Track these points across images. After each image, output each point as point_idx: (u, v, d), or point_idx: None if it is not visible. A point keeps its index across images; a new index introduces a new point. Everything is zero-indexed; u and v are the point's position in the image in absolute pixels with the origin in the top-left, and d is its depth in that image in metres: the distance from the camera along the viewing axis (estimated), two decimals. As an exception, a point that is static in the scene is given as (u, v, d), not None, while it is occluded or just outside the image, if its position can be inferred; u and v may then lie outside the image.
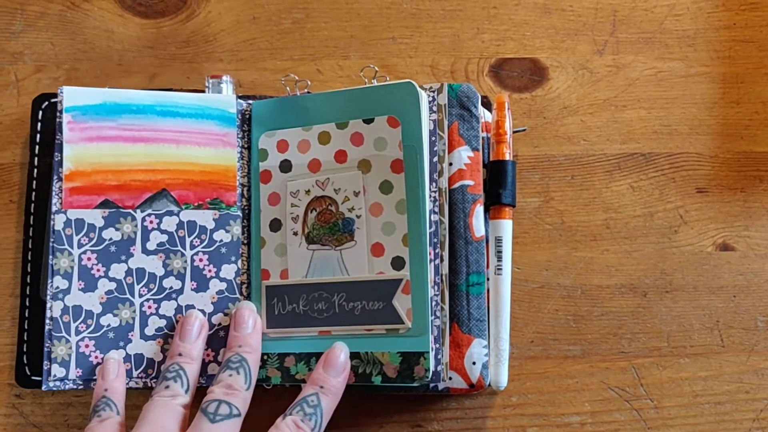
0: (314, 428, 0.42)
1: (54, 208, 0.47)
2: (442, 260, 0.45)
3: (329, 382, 0.43)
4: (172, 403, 0.42)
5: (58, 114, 0.48)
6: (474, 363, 0.46)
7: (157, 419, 0.41)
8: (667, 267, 0.51)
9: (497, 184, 0.48)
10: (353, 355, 0.45)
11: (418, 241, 0.44)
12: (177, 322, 0.47)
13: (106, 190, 0.47)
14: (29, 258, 0.49)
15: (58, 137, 0.47)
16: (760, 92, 0.53)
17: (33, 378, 0.48)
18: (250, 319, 0.46)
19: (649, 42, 0.54)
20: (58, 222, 0.47)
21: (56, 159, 0.47)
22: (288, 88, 0.48)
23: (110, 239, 0.47)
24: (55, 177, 0.47)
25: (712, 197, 0.52)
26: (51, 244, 0.47)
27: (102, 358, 0.46)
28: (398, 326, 0.44)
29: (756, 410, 0.49)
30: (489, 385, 0.47)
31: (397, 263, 0.44)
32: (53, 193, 0.47)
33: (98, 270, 0.47)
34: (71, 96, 0.48)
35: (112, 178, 0.47)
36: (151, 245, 0.47)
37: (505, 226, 0.48)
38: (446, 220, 0.46)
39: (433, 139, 0.46)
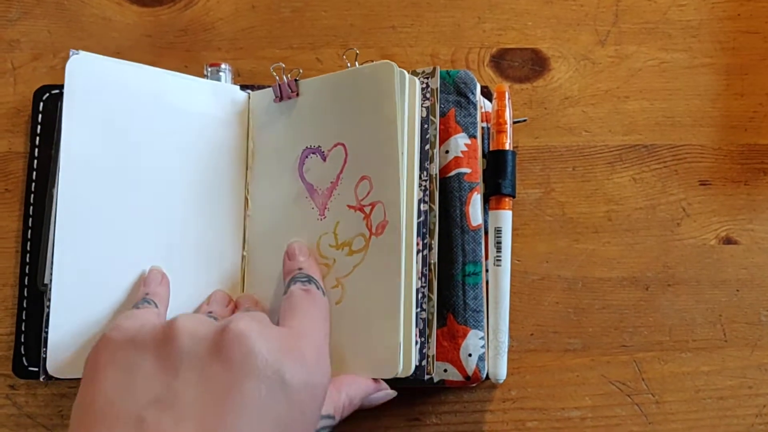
0: (319, 289, 0.42)
1: None
2: (430, 249, 0.44)
3: (303, 264, 0.43)
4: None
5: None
6: (470, 355, 0.46)
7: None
8: (669, 260, 0.50)
9: (497, 174, 0.48)
10: None
11: None
12: None
13: None
14: (28, 248, 0.49)
15: None
16: (765, 84, 0.52)
17: (30, 369, 0.48)
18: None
19: (652, 32, 0.53)
20: None
21: None
22: (277, 77, 0.47)
23: None
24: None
25: (715, 190, 0.51)
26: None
27: None
28: None
29: (759, 405, 0.48)
30: (486, 377, 0.46)
31: None
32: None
33: None
34: None
35: None
36: None
37: (505, 217, 0.48)
38: (437, 208, 0.45)
39: (425, 125, 0.45)
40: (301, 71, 0.48)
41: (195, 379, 0.33)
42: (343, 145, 0.45)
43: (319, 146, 0.46)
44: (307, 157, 0.46)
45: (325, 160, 0.46)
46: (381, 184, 0.43)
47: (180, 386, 0.33)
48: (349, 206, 0.44)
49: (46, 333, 0.43)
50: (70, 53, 0.44)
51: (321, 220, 0.45)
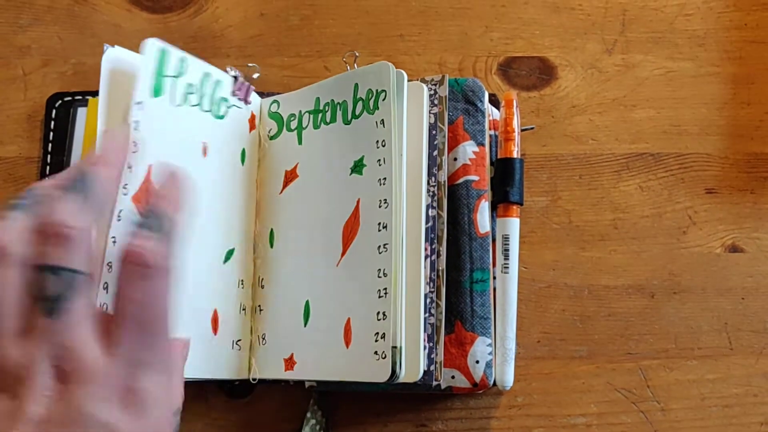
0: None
1: None
2: (438, 255, 0.45)
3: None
4: None
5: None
6: (477, 362, 0.46)
7: None
8: (675, 268, 0.50)
9: (505, 182, 0.48)
10: None
11: None
12: None
13: None
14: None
15: None
16: (771, 93, 0.53)
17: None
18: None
19: (659, 41, 0.53)
20: None
21: None
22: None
23: None
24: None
25: (721, 198, 0.51)
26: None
27: None
28: None
29: (764, 414, 0.49)
30: (493, 384, 0.47)
31: None
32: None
33: None
34: None
35: None
36: None
37: (513, 225, 0.48)
38: (444, 215, 0.45)
39: (434, 132, 0.46)
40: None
41: None
42: None
43: None
44: None
45: None
46: None
47: None
48: None
49: None
50: (105, 47, 0.44)
51: None
